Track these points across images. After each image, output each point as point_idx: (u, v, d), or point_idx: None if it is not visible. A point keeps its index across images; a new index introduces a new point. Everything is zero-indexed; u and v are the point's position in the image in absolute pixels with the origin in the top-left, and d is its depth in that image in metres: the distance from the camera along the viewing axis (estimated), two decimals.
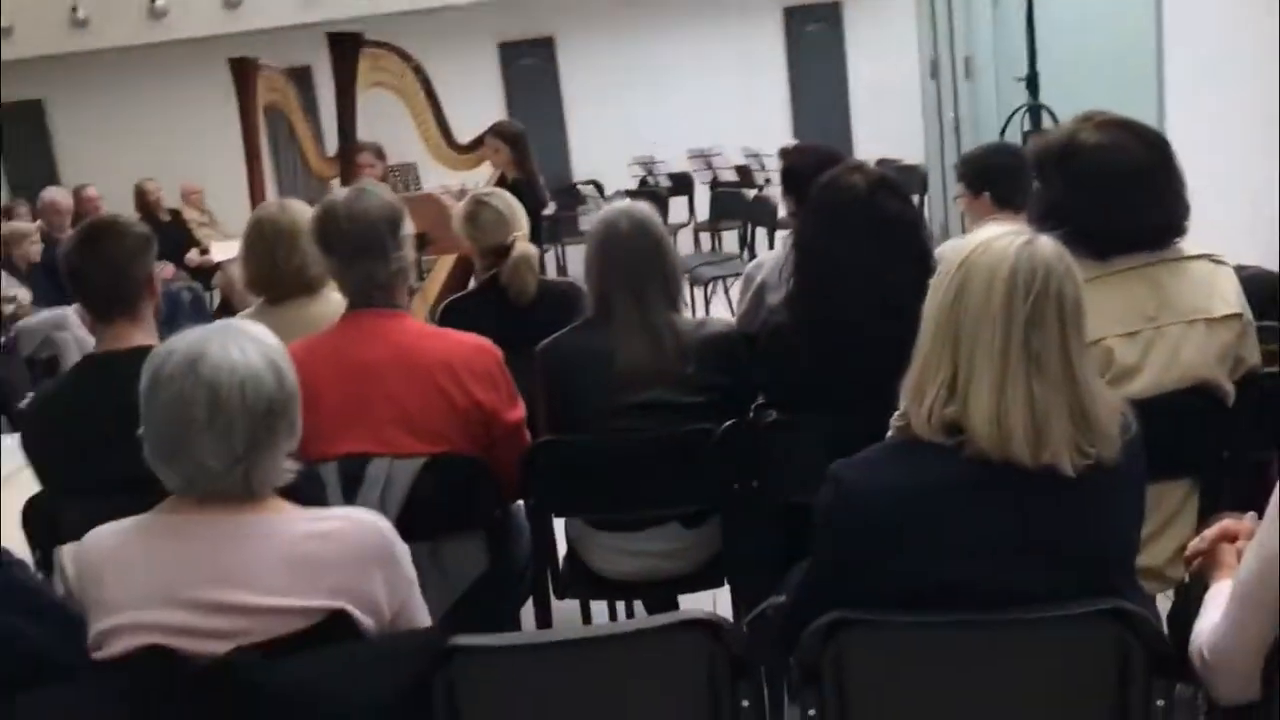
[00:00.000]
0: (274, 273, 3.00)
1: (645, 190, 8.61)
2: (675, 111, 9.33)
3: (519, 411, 2.55)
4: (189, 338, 1.55)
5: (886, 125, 9.11)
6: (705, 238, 8.62)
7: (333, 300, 2.83)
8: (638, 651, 1.63)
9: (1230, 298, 2.22)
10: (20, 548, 2.53)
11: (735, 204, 7.79)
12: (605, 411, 2.51)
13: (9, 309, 6.42)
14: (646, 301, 2.51)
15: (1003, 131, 4.79)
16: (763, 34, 9.42)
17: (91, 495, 2.17)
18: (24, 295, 6.63)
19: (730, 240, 8.13)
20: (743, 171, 7.90)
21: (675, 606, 2.87)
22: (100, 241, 2.56)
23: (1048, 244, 1.53)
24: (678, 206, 8.74)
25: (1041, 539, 1.51)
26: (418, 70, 5.79)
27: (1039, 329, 1.48)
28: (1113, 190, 2.11)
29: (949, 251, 1.62)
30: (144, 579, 1.59)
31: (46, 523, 2.47)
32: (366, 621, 1.63)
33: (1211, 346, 2.20)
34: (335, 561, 1.62)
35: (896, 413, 1.60)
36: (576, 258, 7.77)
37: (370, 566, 1.65)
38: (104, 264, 2.52)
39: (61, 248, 6.62)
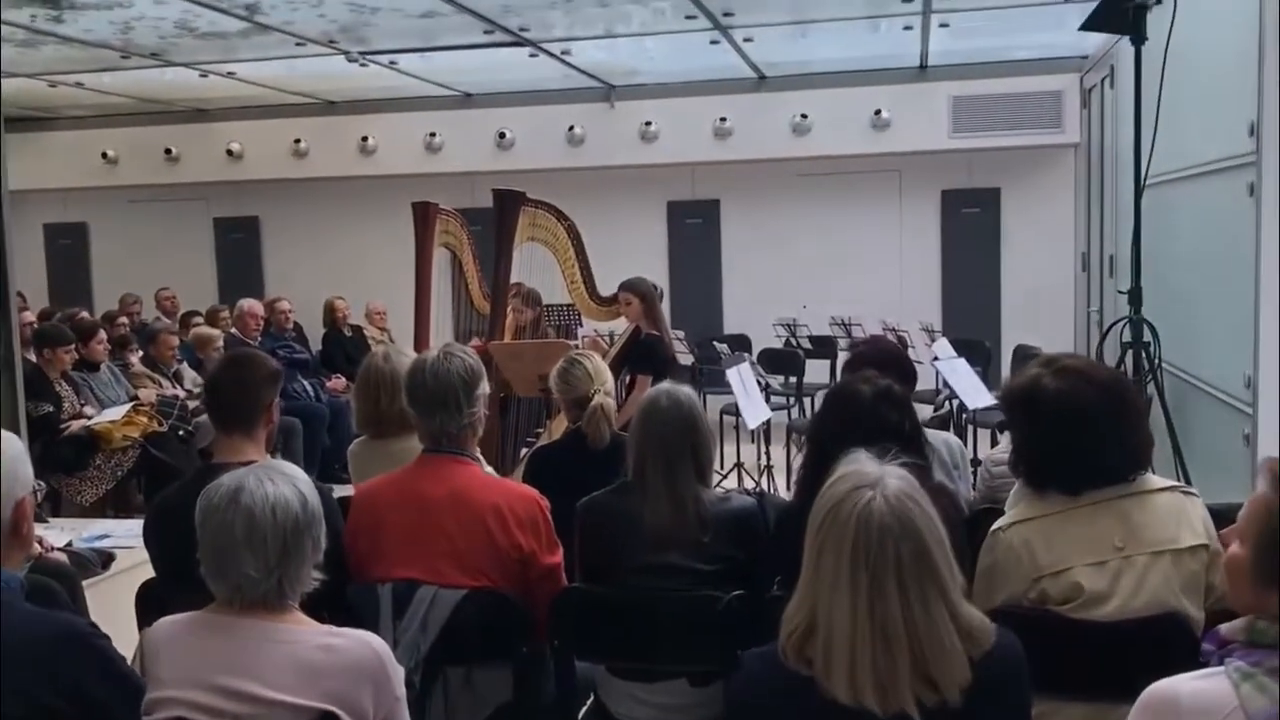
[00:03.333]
0: (376, 413, 3.46)
1: (787, 349, 8.93)
2: (826, 280, 9.66)
3: (556, 557, 2.88)
4: (234, 475, 1.96)
5: (1036, 313, 9.23)
6: None
7: None
8: None
9: (1198, 528, 2.37)
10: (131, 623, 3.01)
11: None
12: (630, 568, 2.81)
13: (194, 404, 7.21)
14: (675, 472, 2.81)
15: (1103, 338, 4.95)
16: (920, 214, 9.71)
17: (192, 586, 2.59)
18: None
19: None
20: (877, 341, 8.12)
21: None
22: (240, 366, 3.06)
23: (886, 498, 1.75)
24: (818, 368, 9.00)
25: None
26: (570, 229, 6.34)
27: (880, 597, 1.71)
28: (1070, 433, 2.33)
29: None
30: (185, 663, 1.98)
31: (156, 606, 2.92)
32: None
33: (1178, 576, 2.34)
34: (334, 672, 1.96)
35: None
36: (715, 405, 8.11)
37: (363, 681, 1.98)
38: (237, 384, 2.98)
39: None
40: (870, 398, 2.62)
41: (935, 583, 1.74)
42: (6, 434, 2.17)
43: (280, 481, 1.97)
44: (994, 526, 2.44)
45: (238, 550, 1.92)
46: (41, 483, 1.97)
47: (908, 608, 1.71)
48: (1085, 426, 2.33)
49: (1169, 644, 2.34)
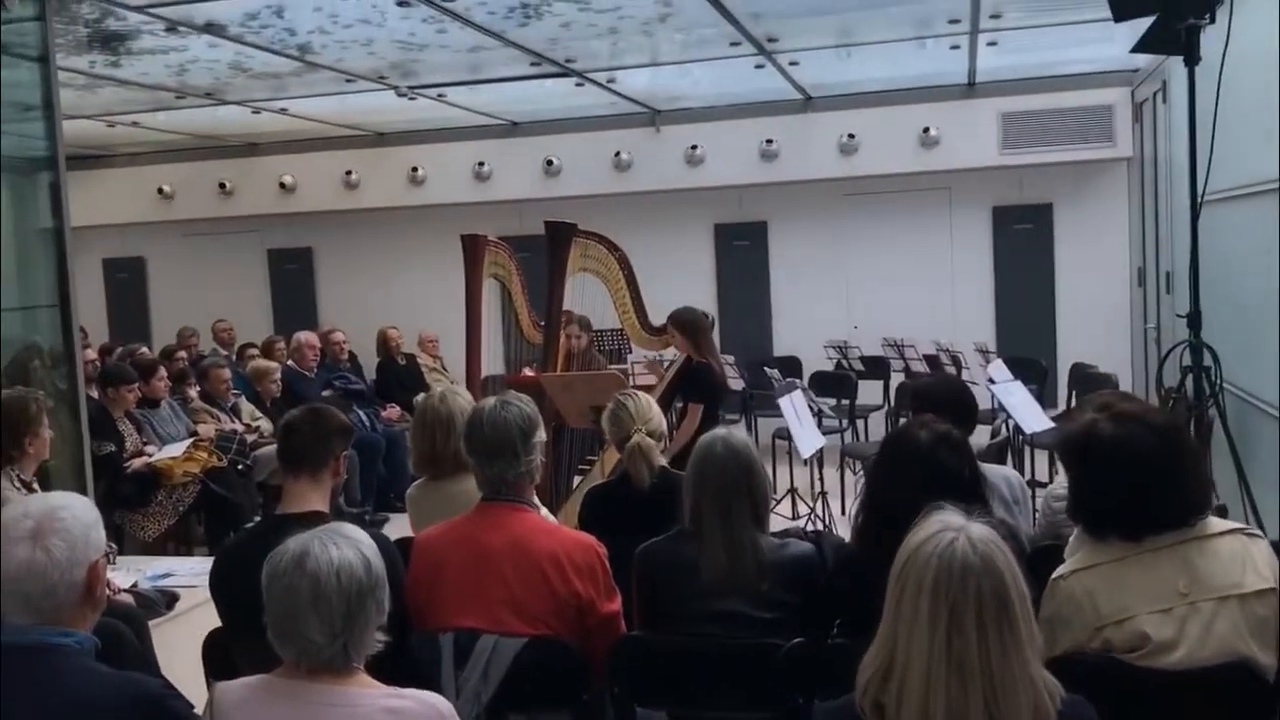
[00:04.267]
0: (433, 453, 3.49)
1: (839, 371, 8.88)
2: (877, 300, 9.62)
3: (615, 604, 2.89)
4: (299, 540, 2.00)
5: (1091, 329, 9.10)
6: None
7: None
8: None
9: (1265, 571, 2.32)
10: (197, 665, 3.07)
11: None
12: (688, 616, 2.81)
13: (251, 438, 7.32)
14: (732, 519, 2.81)
15: (1162, 363, 4.88)
16: (971, 231, 9.62)
17: (259, 637, 2.61)
18: (266, 426, 7.53)
19: None
20: (931, 362, 8.07)
21: None
22: (319, 414, 3.14)
23: (970, 540, 1.75)
24: (871, 390, 8.95)
25: None
26: (621, 260, 6.36)
27: (959, 632, 1.71)
28: (1128, 478, 2.30)
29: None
30: None
31: (223, 657, 2.97)
32: None
33: (1246, 622, 2.30)
34: None
35: None
36: (767, 429, 8.10)
37: None
38: (312, 427, 3.05)
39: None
40: (928, 444, 2.61)
41: (1013, 628, 1.73)
42: (79, 498, 2.22)
43: (344, 545, 2.00)
44: (1054, 575, 2.41)
45: (303, 615, 1.96)
46: (114, 544, 2.02)
47: (984, 645, 1.71)
48: (1143, 472, 2.31)
49: (1240, 693, 2.31)
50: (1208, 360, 4.57)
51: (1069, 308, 9.40)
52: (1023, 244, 9.48)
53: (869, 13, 6.55)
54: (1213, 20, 4.49)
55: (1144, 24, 4.70)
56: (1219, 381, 4.61)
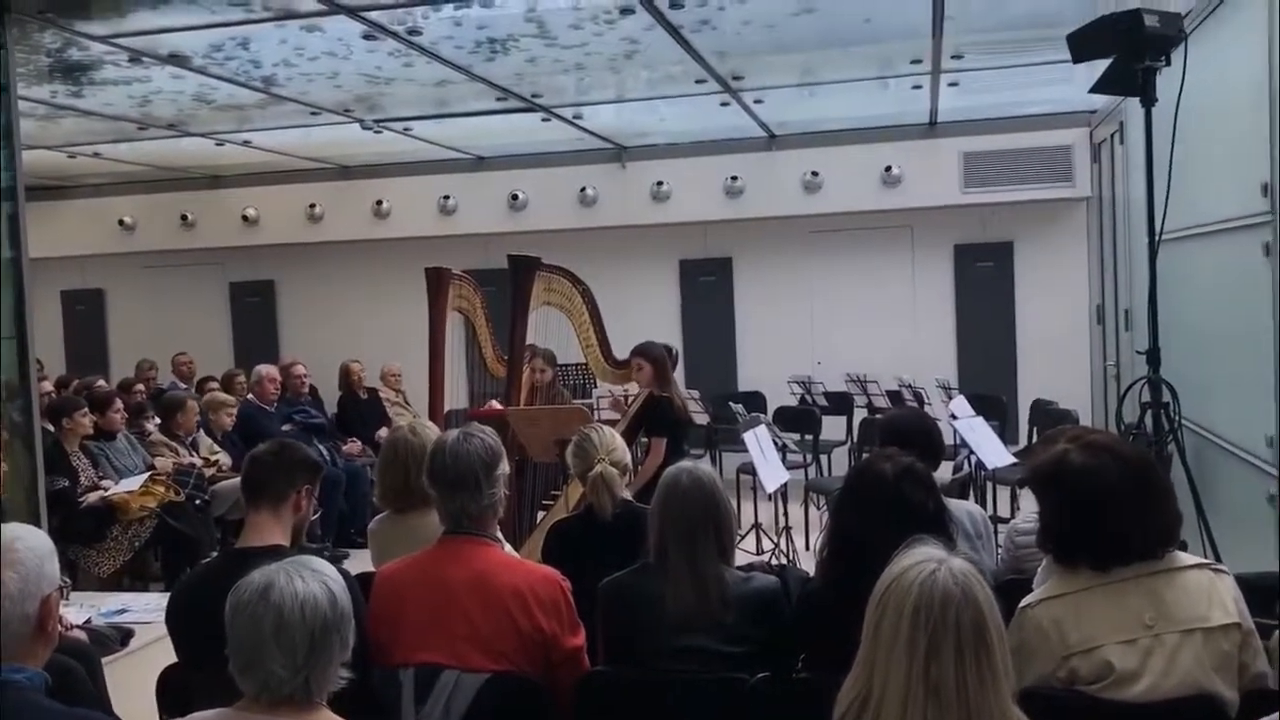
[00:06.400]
0: (404, 486, 3.45)
1: (803, 407, 8.91)
2: (840, 336, 9.68)
3: (578, 638, 2.85)
4: (265, 571, 1.96)
5: (1051, 366, 9.20)
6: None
7: None
8: None
9: (1229, 606, 2.34)
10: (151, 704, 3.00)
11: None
12: (653, 650, 2.78)
13: (210, 472, 7.22)
14: (697, 552, 2.79)
15: (1121, 399, 4.94)
16: (933, 268, 9.70)
17: (215, 673, 2.56)
18: (225, 460, 7.44)
19: None
20: (894, 398, 8.11)
21: None
22: (283, 445, 3.12)
23: (951, 571, 1.76)
24: (834, 425, 8.97)
25: None
26: (585, 294, 6.35)
27: (936, 659, 1.71)
28: (1097, 509, 2.32)
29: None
30: None
31: (178, 693, 2.91)
32: None
33: (1210, 656, 2.31)
34: None
35: None
36: (732, 464, 8.10)
37: None
38: (275, 458, 3.02)
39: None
40: (893, 477, 2.62)
41: (990, 661, 1.73)
42: (34, 530, 2.17)
43: (310, 579, 1.97)
44: (1022, 604, 2.42)
45: (266, 647, 1.92)
46: (68, 579, 1.97)
47: (961, 674, 1.71)
48: (1112, 502, 2.32)
49: None
50: (1166, 396, 4.61)
51: (1029, 345, 9.51)
52: (984, 282, 9.58)
53: (832, 52, 6.64)
54: (1168, 63, 4.57)
55: (1102, 65, 4.79)
56: (1178, 417, 4.66)
